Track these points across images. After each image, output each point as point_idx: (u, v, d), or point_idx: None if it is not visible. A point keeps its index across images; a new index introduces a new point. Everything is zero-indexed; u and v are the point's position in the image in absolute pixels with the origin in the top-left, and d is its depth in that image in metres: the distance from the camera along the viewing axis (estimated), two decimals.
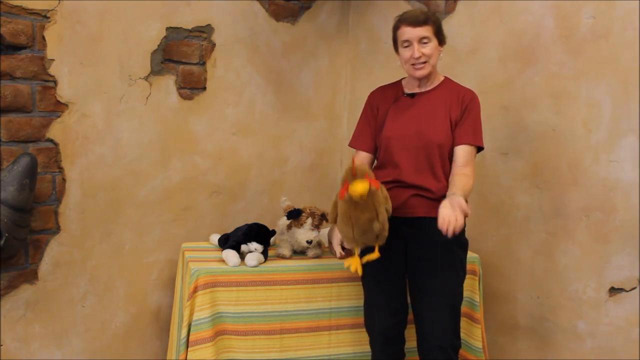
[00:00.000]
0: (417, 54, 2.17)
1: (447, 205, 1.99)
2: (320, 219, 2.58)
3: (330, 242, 2.68)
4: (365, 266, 2.38)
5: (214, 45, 2.86)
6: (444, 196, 2.20)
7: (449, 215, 1.96)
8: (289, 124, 3.16)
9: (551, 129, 2.51)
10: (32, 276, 2.49)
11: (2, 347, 2.44)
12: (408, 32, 2.18)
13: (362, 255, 2.15)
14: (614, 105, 2.32)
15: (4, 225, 2.21)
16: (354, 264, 2.15)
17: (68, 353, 2.61)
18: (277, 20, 3.04)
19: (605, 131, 2.35)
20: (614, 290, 2.37)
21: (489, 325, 2.72)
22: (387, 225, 2.09)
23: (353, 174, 2.02)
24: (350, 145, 2.43)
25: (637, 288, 2.30)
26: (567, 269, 2.49)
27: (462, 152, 2.21)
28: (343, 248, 2.60)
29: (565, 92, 2.46)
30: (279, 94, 3.10)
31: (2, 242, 2.21)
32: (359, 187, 1.99)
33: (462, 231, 2.28)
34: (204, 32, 2.82)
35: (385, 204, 2.08)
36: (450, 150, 2.22)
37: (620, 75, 2.30)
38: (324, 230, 2.68)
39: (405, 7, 3.01)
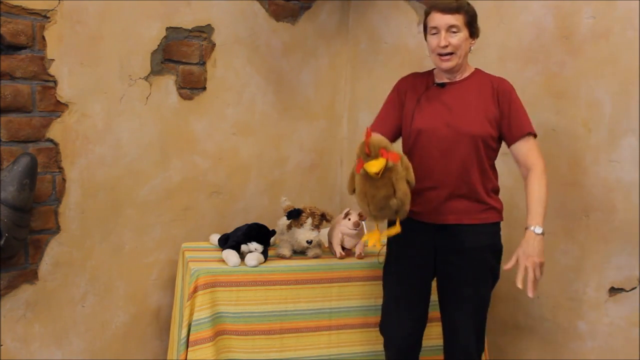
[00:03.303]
0: (443, 43, 2.07)
1: (524, 252, 1.99)
2: (320, 219, 2.58)
3: (330, 242, 2.69)
4: (392, 270, 2.29)
5: (214, 45, 2.86)
6: (477, 194, 2.13)
7: (526, 266, 1.98)
8: (289, 124, 3.16)
9: (551, 129, 2.51)
10: (32, 276, 2.49)
11: (2, 347, 2.44)
12: (437, 19, 2.08)
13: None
14: (614, 105, 2.32)
15: (4, 225, 2.21)
16: (373, 239, 2.05)
17: (68, 353, 2.61)
18: (277, 20, 3.04)
19: (605, 131, 2.35)
20: (614, 290, 2.37)
21: (489, 325, 2.71)
22: (408, 199, 1.95)
23: (367, 153, 1.88)
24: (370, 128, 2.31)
25: (637, 288, 2.30)
26: (567, 269, 2.49)
27: (522, 146, 2.12)
28: (343, 248, 2.61)
29: (565, 92, 2.46)
30: (279, 94, 3.10)
31: (2, 242, 2.21)
32: (374, 167, 1.86)
33: (498, 237, 2.20)
34: (204, 32, 2.82)
35: (406, 176, 1.94)
36: (485, 140, 2.12)
37: (620, 75, 2.30)
38: (324, 230, 2.69)
39: (405, 7, 3.02)
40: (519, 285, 1.98)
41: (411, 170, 1.98)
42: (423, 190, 2.14)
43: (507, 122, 2.14)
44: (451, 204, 2.13)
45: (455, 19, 2.07)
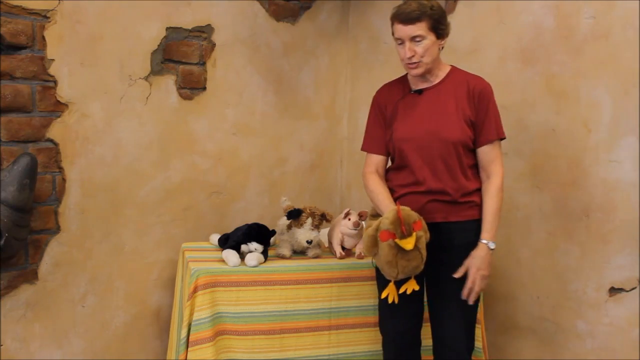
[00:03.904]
0: (408, 54, 2.07)
1: (476, 265, 2.11)
2: (320, 219, 2.58)
3: (330, 242, 2.69)
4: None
5: (214, 45, 2.86)
6: (463, 195, 2.15)
7: (475, 278, 2.10)
8: (289, 124, 3.16)
9: (551, 129, 2.51)
10: (32, 276, 2.49)
11: (2, 347, 2.45)
12: (399, 30, 2.07)
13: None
14: (614, 105, 2.32)
15: (4, 225, 2.21)
16: (392, 294, 2.12)
17: (68, 353, 2.61)
18: (277, 20, 3.04)
19: (605, 131, 2.35)
20: (614, 290, 2.37)
21: (489, 325, 2.72)
22: (424, 260, 2.07)
23: (403, 232, 1.97)
24: (363, 149, 2.33)
25: (637, 288, 2.30)
26: (567, 269, 2.49)
27: (489, 151, 2.15)
28: (343, 248, 2.61)
29: (565, 92, 2.46)
30: (279, 94, 3.10)
31: (2, 242, 2.21)
32: (409, 244, 1.97)
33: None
34: (204, 32, 2.83)
35: (425, 236, 2.04)
36: (466, 144, 2.14)
37: (620, 75, 2.30)
38: (324, 230, 2.69)
39: None
40: (464, 295, 2.13)
41: (427, 229, 2.06)
42: (409, 193, 2.18)
43: (480, 124, 2.15)
44: (437, 203, 2.16)
45: (418, 28, 2.04)
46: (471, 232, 2.18)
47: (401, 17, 2.06)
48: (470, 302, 2.13)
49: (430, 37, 2.08)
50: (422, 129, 2.15)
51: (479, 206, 2.20)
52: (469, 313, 2.20)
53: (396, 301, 2.12)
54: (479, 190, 2.21)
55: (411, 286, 2.10)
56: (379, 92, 2.33)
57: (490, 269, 2.15)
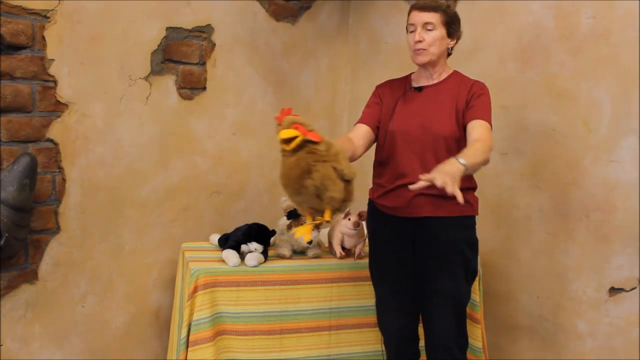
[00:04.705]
0: (417, 38, 2.14)
1: (443, 170, 1.80)
2: None
3: (330, 242, 2.69)
4: (374, 266, 2.35)
5: (214, 45, 2.86)
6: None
7: (443, 179, 1.74)
8: None
9: (551, 129, 2.51)
10: (32, 276, 2.49)
11: (2, 347, 2.45)
12: (414, 16, 2.16)
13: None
14: (614, 105, 2.32)
15: (4, 225, 2.21)
16: (301, 231, 1.88)
17: (68, 353, 2.61)
18: (277, 20, 3.04)
19: (605, 131, 2.35)
20: (614, 290, 2.37)
21: (489, 325, 2.72)
22: (332, 185, 1.76)
23: (278, 122, 1.77)
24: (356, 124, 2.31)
25: (637, 288, 2.30)
26: (567, 269, 2.49)
27: (474, 125, 2.09)
28: (343, 248, 2.61)
29: (565, 92, 2.46)
30: (279, 94, 3.10)
31: (2, 242, 2.21)
32: (283, 134, 1.74)
33: (472, 230, 2.24)
34: (204, 32, 2.83)
35: (333, 162, 1.76)
36: (458, 139, 2.14)
37: (620, 75, 2.30)
38: (324, 230, 2.69)
39: (405, 7, 3.01)
40: (422, 178, 1.78)
41: (344, 159, 1.81)
42: (400, 187, 2.18)
43: (469, 108, 2.14)
44: (427, 198, 2.15)
45: (431, 17, 2.13)
46: (458, 229, 2.19)
47: (419, 5, 2.18)
48: (450, 193, 1.75)
49: (441, 30, 2.15)
50: (415, 123, 2.18)
51: (469, 203, 2.20)
52: (458, 310, 2.21)
53: (306, 239, 1.92)
54: (469, 189, 2.21)
55: (319, 220, 1.84)
56: (382, 84, 2.37)
57: (454, 182, 1.77)
